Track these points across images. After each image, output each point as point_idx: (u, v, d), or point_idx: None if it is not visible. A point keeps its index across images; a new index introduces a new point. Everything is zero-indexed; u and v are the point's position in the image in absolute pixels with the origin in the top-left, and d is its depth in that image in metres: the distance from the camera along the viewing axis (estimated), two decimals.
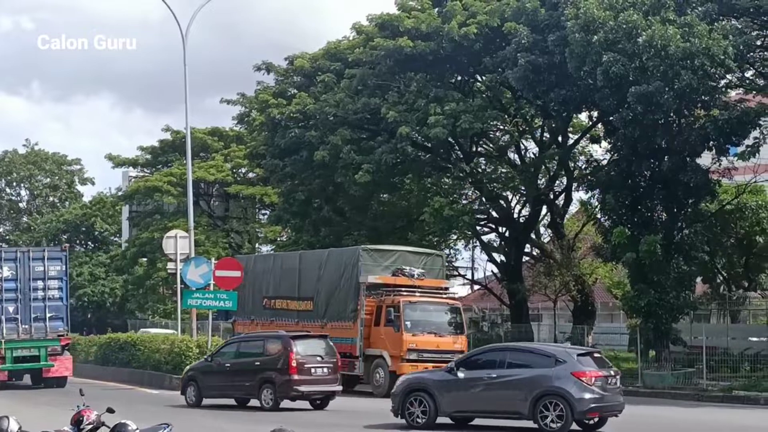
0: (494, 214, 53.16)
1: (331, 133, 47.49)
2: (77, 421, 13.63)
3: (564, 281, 49.70)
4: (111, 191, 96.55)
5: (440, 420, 24.46)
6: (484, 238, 55.89)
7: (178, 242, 40.89)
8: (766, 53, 42.69)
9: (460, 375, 24.14)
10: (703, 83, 37.75)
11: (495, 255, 55.16)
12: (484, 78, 49.20)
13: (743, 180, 45.77)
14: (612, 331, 59.71)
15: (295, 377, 29.13)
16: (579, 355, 23.59)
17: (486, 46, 45.27)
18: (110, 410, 14.16)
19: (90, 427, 13.51)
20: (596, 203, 46.43)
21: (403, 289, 37.14)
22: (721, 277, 55.41)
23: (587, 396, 22.43)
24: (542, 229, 57.00)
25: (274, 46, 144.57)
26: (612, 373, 23.63)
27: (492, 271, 60.28)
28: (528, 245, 54.99)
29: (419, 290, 37.52)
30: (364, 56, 48.12)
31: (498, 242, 55.55)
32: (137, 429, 12.32)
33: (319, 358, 30.20)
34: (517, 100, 47.85)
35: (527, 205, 53.20)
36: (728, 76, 40.64)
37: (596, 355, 24.42)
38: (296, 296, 40.44)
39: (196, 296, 38.97)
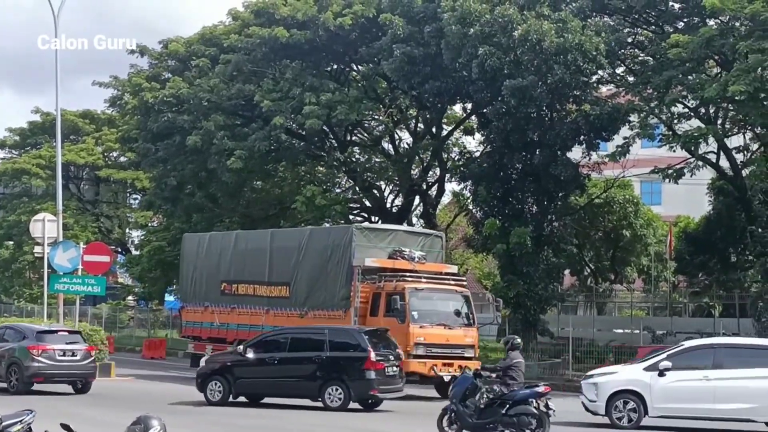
0: (367, 203, 53.26)
1: (204, 118, 47.02)
2: None
3: None
4: None
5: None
6: None
7: (46, 226, 39.92)
8: (636, 51, 43.54)
9: None
10: (575, 78, 38.46)
11: None
12: (359, 68, 49.27)
13: (612, 174, 46.66)
14: (481, 322, 60.25)
15: None
16: (39, 332, 30.53)
17: (362, 36, 45.38)
18: None
19: None
20: (468, 194, 46.89)
21: (407, 274, 32.63)
22: (589, 270, 56.56)
23: (34, 365, 29.45)
24: (415, 219, 57.24)
25: (148, 29, 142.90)
26: (71, 348, 29.87)
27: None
28: None
29: (423, 276, 32.93)
30: (240, 42, 47.77)
31: None
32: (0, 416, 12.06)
33: None
34: (392, 91, 47.98)
35: (400, 195, 53.37)
36: (600, 72, 41.45)
37: (61, 332, 31.02)
38: (266, 281, 35.98)
39: (63, 281, 38.22)
